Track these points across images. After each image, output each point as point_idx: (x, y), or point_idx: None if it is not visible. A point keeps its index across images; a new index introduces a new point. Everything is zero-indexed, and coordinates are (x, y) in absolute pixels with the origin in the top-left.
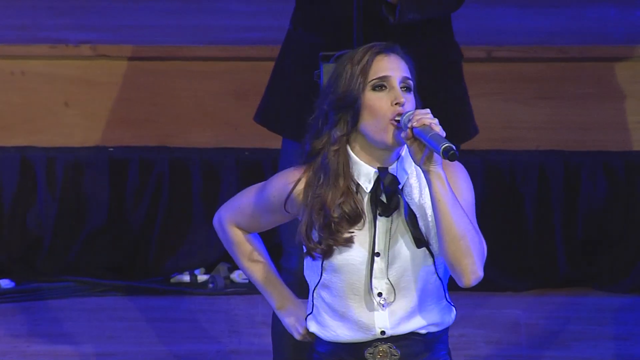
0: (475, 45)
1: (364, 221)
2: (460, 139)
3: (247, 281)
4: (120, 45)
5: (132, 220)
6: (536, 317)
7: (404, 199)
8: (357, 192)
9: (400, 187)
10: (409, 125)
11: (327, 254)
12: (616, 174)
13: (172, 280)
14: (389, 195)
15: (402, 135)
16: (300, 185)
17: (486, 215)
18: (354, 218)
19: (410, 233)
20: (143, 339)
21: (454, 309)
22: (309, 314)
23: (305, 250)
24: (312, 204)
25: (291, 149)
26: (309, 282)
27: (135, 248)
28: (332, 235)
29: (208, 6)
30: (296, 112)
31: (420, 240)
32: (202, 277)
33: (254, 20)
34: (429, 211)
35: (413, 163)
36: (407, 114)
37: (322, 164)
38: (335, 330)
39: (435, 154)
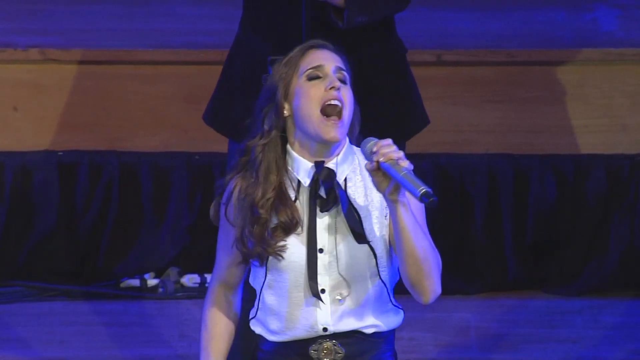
0: (425, 49)
1: (301, 227)
2: (411, 131)
3: (197, 285)
4: (69, 50)
5: (82, 224)
6: (486, 320)
7: (341, 194)
8: (298, 190)
9: (339, 182)
10: (375, 158)
11: (262, 260)
12: (565, 177)
13: (122, 285)
14: (327, 190)
15: (367, 167)
16: (235, 192)
17: (436, 218)
18: (290, 227)
19: (350, 229)
20: (93, 344)
21: (401, 311)
22: (252, 318)
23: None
24: (242, 205)
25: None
26: (254, 287)
27: (85, 252)
28: (263, 243)
29: (157, 10)
30: (243, 116)
31: (360, 236)
32: (152, 282)
33: (203, 24)
34: (375, 212)
35: (355, 160)
36: (369, 143)
37: (251, 161)
38: (280, 330)
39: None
